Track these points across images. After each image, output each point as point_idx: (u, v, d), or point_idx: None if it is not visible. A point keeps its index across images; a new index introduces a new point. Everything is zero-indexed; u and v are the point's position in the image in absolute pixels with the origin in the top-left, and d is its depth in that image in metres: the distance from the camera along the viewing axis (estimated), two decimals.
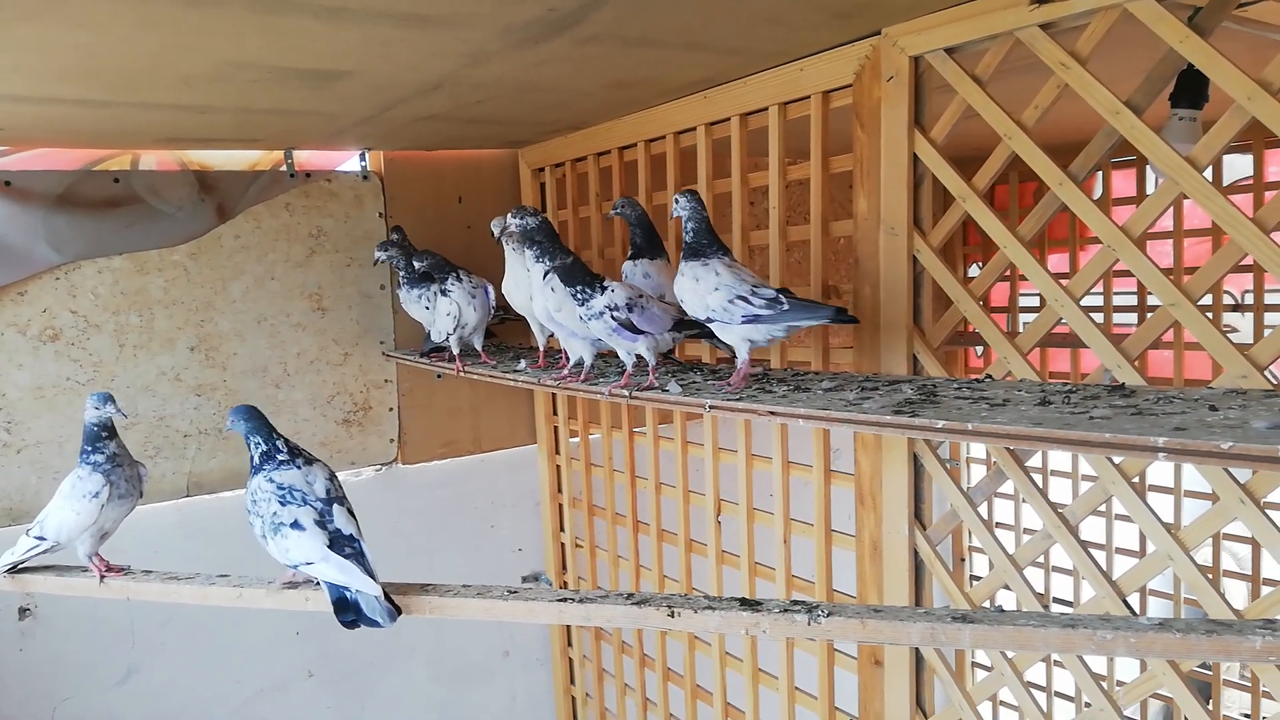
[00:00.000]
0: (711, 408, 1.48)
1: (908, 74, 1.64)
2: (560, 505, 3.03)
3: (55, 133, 2.27)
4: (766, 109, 1.98)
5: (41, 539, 1.58)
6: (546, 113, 2.33)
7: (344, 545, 1.41)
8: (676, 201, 1.77)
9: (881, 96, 1.69)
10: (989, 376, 1.49)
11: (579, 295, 1.68)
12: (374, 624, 1.35)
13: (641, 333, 1.67)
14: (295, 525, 1.41)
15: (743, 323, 1.58)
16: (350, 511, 1.48)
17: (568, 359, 2.00)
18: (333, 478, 1.52)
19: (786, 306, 1.55)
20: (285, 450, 1.49)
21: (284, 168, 2.66)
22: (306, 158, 2.72)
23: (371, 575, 1.36)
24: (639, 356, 1.73)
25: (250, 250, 2.61)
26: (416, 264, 2.31)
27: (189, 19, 1.41)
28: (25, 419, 2.37)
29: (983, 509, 1.64)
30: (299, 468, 1.48)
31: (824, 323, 1.53)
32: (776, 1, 1.49)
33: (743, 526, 2.17)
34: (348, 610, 1.36)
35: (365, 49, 1.62)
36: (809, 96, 1.87)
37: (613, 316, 1.65)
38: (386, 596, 1.37)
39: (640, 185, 2.42)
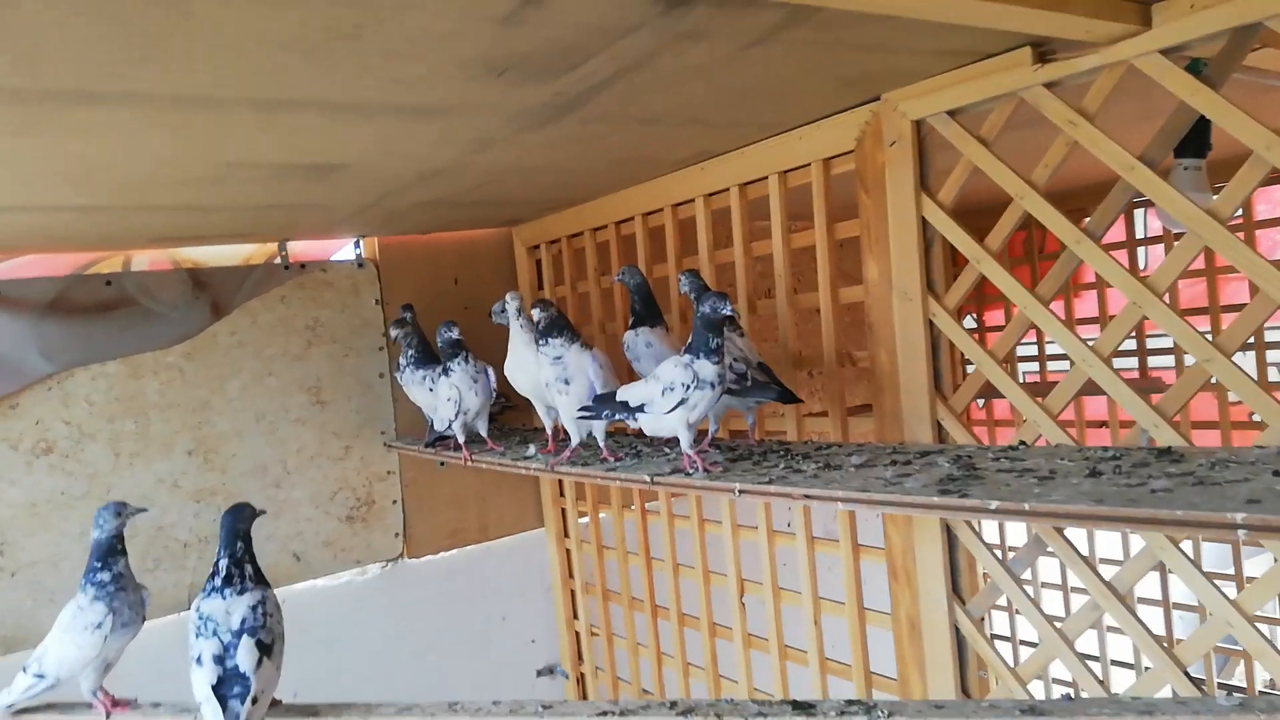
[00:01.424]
0: (741, 491, 1.42)
1: (910, 138, 1.63)
2: (573, 591, 2.93)
3: (47, 239, 2.25)
4: (766, 178, 1.97)
5: (41, 676, 1.49)
6: (545, 191, 2.33)
7: (233, 684, 1.40)
8: (682, 279, 1.79)
9: (885, 161, 1.68)
10: (1023, 443, 1.44)
11: (713, 350, 1.51)
12: None
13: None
14: (199, 660, 1.42)
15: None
16: (262, 643, 1.45)
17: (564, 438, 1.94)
18: (259, 605, 1.48)
19: (749, 384, 1.72)
20: (223, 574, 1.48)
21: (278, 260, 2.63)
22: (300, 248, 2.69)
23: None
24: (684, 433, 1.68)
25: (247, 346, 2.57)
26: (445, 333, 2.22)
27: (192, 123, 1.39)
28: (18, 539, 2.28)
29: (1024, 573, 1.57)
30: (225, 597, 1.46)
31: (773, 399, 1.76)
32: (780, 74, 1.48)
33: (769, 607, 2.09)
34: None
35: (368, 142, 1.61)
36: (809, 164, 1.86)
37: (733, 368, 1.59)
38: None
39: (640, 258, 2.39)
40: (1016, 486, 1.12)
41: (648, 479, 1.63)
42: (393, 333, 2.45)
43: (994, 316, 3.61)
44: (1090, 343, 1.41)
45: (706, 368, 1.51)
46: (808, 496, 1.31)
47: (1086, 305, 3.28)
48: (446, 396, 2.23)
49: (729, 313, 1.50)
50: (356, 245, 2.78)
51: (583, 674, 2.93)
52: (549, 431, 2.17)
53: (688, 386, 1.51)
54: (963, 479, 1.21)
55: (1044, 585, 3.46)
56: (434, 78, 1.31)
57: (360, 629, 2.71)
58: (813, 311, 1.94)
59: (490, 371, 2.27)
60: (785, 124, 1.84)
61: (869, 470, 1.38)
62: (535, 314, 1.87)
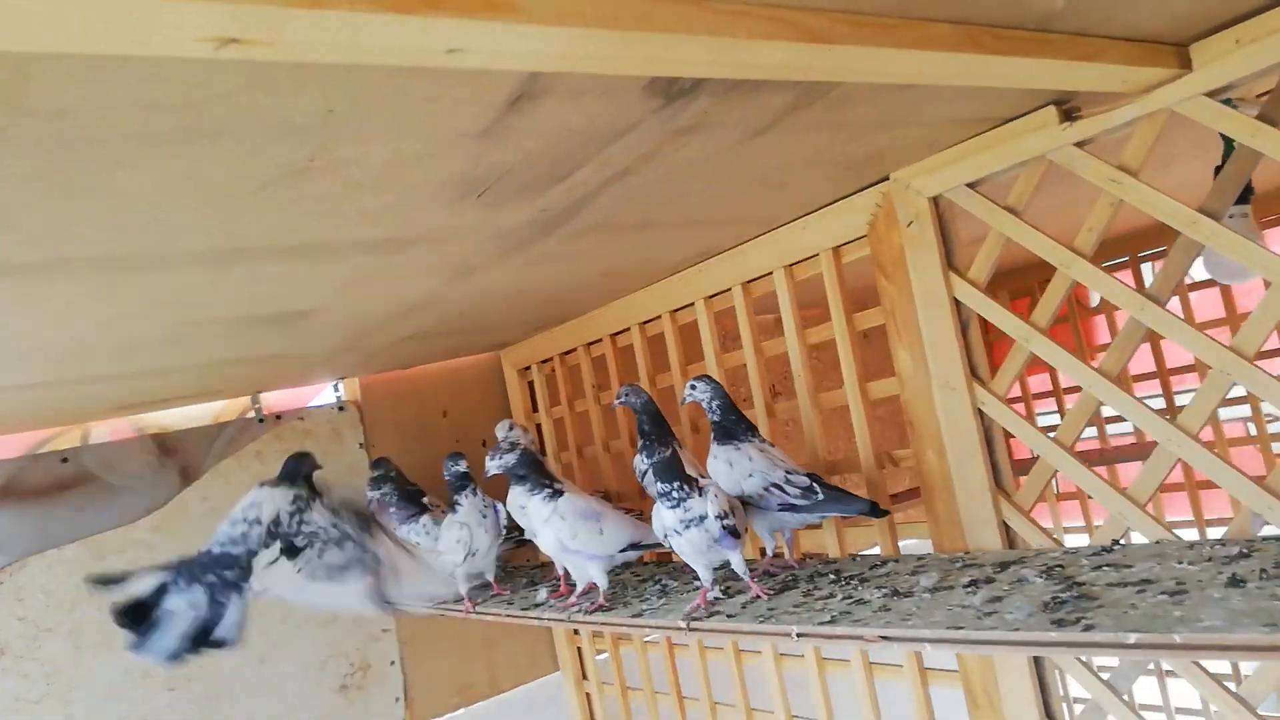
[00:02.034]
0: (800, 636, 1.22)
1: (929, 215, 1.50)
2: None
3: None
4: (771, 274, 1.83)
5: None
6: (533, 311, 2.18)
7: None
8: (693, 387, 1.65)
9: (903, 243, 1.54)
10: (1117, 543, 1.25)
11: (675, 494, 1.42)
12: None
13: (739, 537, 1.47)
14: None
15: (779, 510, 1.54)
16: None
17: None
18: None
19: (821, 496, 1.54)
20: None
21: (251, 414, 2.44)
22: (275, 399, 2.51)
23: None
24: (715, 571, 1.52)
25: (220, 512, 2.29)
26: (452, 466, 1.99)
27: (134, 284, 1.23)
28: None
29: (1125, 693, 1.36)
30: None
31: (857, 514, 1.54)
32: (784, 163, 1.35)
33: None
34: None
35: (335, 283, 1.45)
36: (817, 255, 1.73)
37: (723, 526, 1.42)
38: None
39: (640, 370, 2.23)
40: (1146, 608, 0.93)
41: (683, 624, 1.42)
42: (369, 495, 2.25)
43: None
44: (1172, 420, 1.25)
45: (666, 516, 1.44)
46: (885, 639, 1.10)
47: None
48: (456, 538, 2.01)
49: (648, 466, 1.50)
50: (335, 388, 2.61)
51: None
52: (560, 571, 1.95)
53: (666, 538, 1.46)
54: (1072, 601, 1.02)
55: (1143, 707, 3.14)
56: (404, 206, 1.17)
57: None
58: (837, 411, 1.78)
59: (500, 507, 2.06)
60: (788, 216, 1.71)
61: (947, 595, 1.19)
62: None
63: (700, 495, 1.41)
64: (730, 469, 1.56)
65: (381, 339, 2.02)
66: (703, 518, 1.40)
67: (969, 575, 1.26)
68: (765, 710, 2.01)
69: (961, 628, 1.01)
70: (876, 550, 1.74)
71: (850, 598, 1.30)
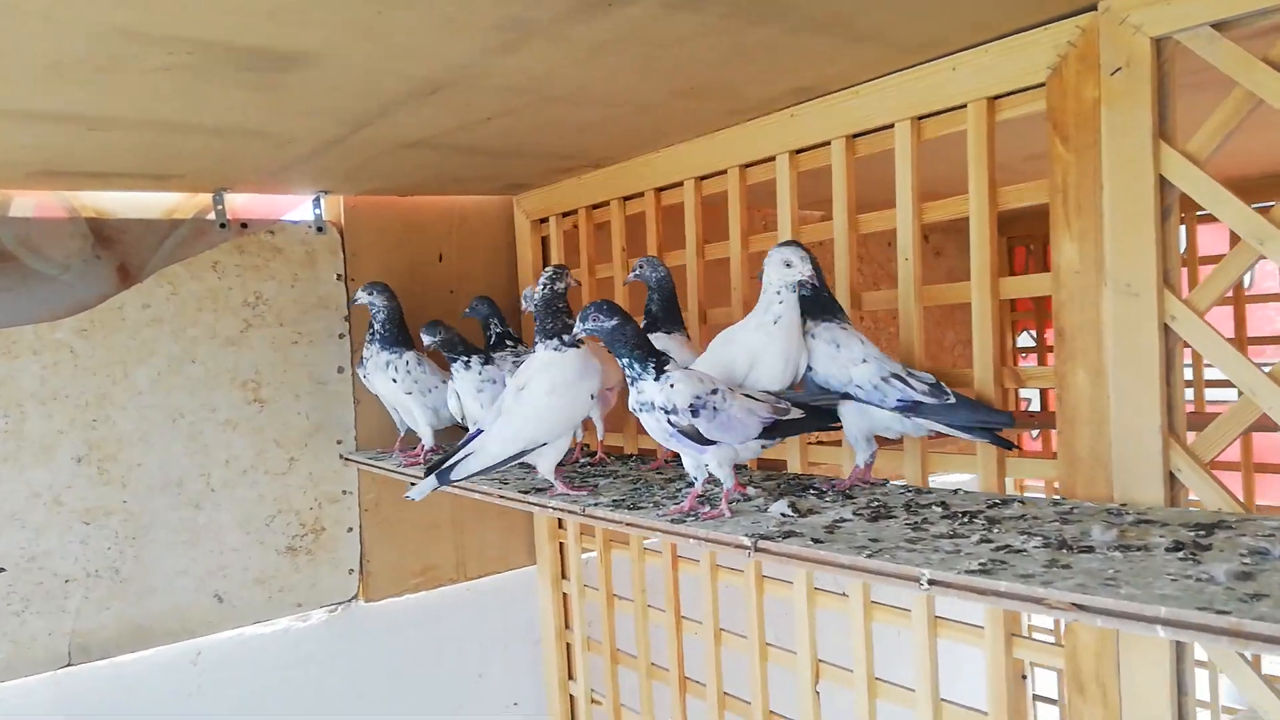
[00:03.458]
0: (932, 584, 0.89)
1: (1149, 63, 1.13)
2: (569, 646, 2.37)
3: None
4: (891, 126, 1.45)
5: None
6: (572, 139, 1.77)
7: None
8: (792, 254, 1.29)
9: (1101, 97, 1.17)
10: None
11: (628, 371, 1.22)
12: None
13: (711, 443, 1.20)
14: None
15: (896, 407, 1.26)
16: None
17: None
18: None
19: (953, 399, 1.24)
20: None
21: (211, 216, 2.03)
22: (243, 203, 2.10)
23: None
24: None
25: (163, 324, 1.96)
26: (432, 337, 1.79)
27: None
28: None
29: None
30: None
31: (993, 428, 1.24)
32: None
33: (861, 702, 1.56)
34: None
35: (340, 8, 1.04)
36: (964, 105, 1.35)
37: (669, 421, 1.19)
38: None
39: (689, 235, 1.86)
40: None
41: (747, 543, 1.09)
42: (359, 297, 1.97)
43: None
44: None
45: (630, 392, 1.23)
46: (1080, 608, 0.77)
47: None
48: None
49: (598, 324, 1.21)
50: (316, 204, 2.19)
51: None
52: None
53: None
54: None
55: None
56: None
57: (299, 690, 2.12)
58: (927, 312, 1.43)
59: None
60: (942, 45, 1.32)
61: (1147, 559, 0.86)
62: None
63: (655, 379, 1.20)
64: (837, 351, 1.24)
65: (383, 137, 1.62)
66: (652, 405, 1.20)
67: (1159, 535, 0.94)
68: (783, 649, 1.72)
69: (1228, 612, 0.68)
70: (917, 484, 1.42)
71: (990, 542, 0.97)
